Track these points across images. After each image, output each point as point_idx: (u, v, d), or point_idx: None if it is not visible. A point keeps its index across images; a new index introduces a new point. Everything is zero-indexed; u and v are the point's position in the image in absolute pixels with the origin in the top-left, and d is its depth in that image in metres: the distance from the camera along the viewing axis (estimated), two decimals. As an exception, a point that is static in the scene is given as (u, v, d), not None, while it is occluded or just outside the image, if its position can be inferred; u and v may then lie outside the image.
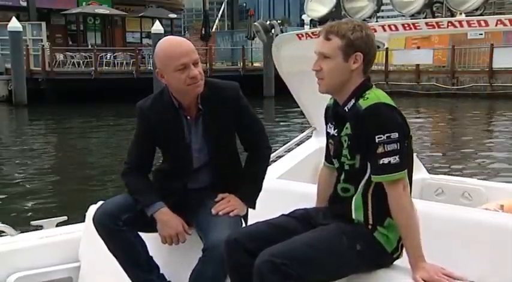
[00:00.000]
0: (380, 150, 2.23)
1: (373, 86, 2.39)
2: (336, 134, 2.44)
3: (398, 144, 2.23)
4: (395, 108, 2.29)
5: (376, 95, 2.30)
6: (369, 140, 2.25)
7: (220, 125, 2.80)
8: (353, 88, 2.37)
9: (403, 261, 2.35)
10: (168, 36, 2.86)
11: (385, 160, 2.23)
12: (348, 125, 2.35)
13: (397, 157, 2.23)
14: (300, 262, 2.21)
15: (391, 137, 2.22)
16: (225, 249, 2.42)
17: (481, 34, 26.41)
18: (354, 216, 2.37)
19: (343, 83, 2.37)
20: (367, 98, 2.29)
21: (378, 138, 2.22)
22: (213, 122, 2.79)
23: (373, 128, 2.24)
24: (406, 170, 2.28)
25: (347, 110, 2.36)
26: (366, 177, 2.34)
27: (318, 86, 2.43)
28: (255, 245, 2.33)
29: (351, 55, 2.33)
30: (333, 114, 2.48)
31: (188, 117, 2.80)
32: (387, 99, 2.30)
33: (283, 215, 2.54)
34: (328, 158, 2.61)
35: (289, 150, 4.24)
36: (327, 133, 2.54)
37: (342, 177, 2.44)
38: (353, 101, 2.35)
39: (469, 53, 28.11)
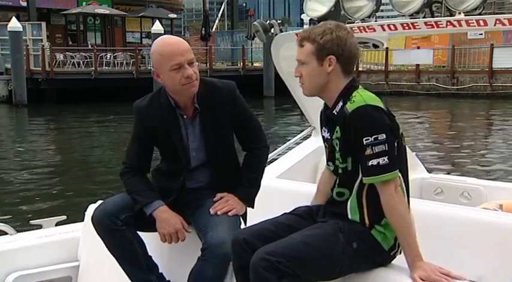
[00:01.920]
0: (368, 152, 2.24)
1: (360, 86, 2.40)
2: (329, 137, 2.45)
3: (386, 145, 2.24)
4: (382, 109, 2.29)
5: (362, 97, 2.30)
6: (357, 142, 2.26)
7: (217, 124, 2.80)
8: (338, 91, 2.38)
9: (401, 260, 2.35)
10: (164, 36, 2.85)
11: (374, 161, 2.24)
12: (337, 128, 2.36)
13: (386, 158, 2.23)
14: (295, 260, 2.21)
15: (379, 138, 2.23)
16: (232, 249, 2.41)
17: (481, 34, 26.44)
18: (350, 218, 2.38)
19: (323, 85, 2.41)
20: (354, 100, 2.30)
21: (366, 140, 2.24)
22: (210, 121, 2.79)
23: (360, 131, 2.25)
24: (397, 170, 2.28)
25: (335, 114, 2.38)
26: (359, 179, 2.34)
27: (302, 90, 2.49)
28: (262, 244, 2.31)
29: (324, 58, 2.36)
30: (325, 118, 2.50)
31: (185, 117, 2.81)
32: (373, 101, 2.30)
33: (286, 213, 2.54)
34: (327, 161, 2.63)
35: (288, 150, 4.24)
36: (322, 137, 2.55)
37: (337, 181, 2.46)
38: (341, 104, 2.36)
39: (469, 53, 28.11)
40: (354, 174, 2.35)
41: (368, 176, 2.28)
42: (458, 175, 5.38)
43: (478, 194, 4.13)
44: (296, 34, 3.48)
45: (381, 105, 2.30)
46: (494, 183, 4.50)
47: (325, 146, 2.52)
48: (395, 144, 2.29)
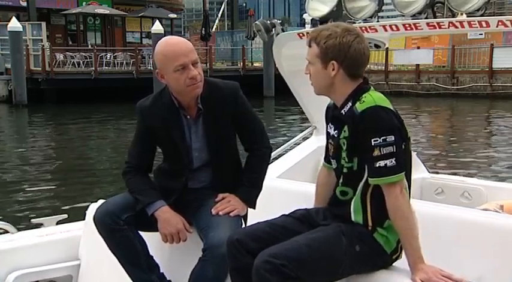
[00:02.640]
0: (376, 153, 2.23)
1: (371, 88, 2.39)
2: (335, 135, 2.44)
3: (394, 147, 2.23)
4: (391, 111, 2.29)
5: (372, 98, 2.30)
6: (365, 143, 2.26)
7: (220, 124, 2.80)
8: (346, 93, 2.38)
9: (402, 262, 2.35)
10: (167, 37, 2.86)
11: (382, 163, 2.23)
12: (345, 128, 2.36)
13: (393, 160, 2.23)
14: (298, 263, 2.21)
15: (387, 140, 2.23)
16: (227, 250, 2.41)
17: (481, 34, 26.44)
18: (353, 219, 2.38)
19: (328, 87, 2.41)
20: (364, 101, 2.30)
21: (374, 141, 2.23)
22: (213, 121, 2.79)
23: (369, 131, 2.25)
24: (403, 173, 2.28)
25: (344, 113, 2.37)
26: (364, 179, 2.34)
27: None
28: (257, 245, 2.32)
29: (328, 63, 2.36)
30: (332, 116, 2.50)
31: (188, 117, 2.81)
32: (384, 102, 2.30)
33: (283, 215, 2.54)
34: (326, 158, 2.62)
35: (289, 150, 4.24)
36: (327, 133, 2.54)
37: (341, 180, 2.45)
38: (350, 104, 2.36)
39: (469, 53, 28.12)
40: (359, 174, 2.35)
41: (375, 177, 2.27)
42: (459, 175, 5.38)
43: (478, 194, 4.13)
44: (298, 33, 3.48)
45: (391, 106, 2.30)
46: (495, 183, 4.50)
47: (330, 143, 2.52)
48: (403, 146, 2.29)
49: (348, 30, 2.37)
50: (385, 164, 2.23)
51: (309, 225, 2.45)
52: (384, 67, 29.47)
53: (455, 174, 7.10)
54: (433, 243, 2.51)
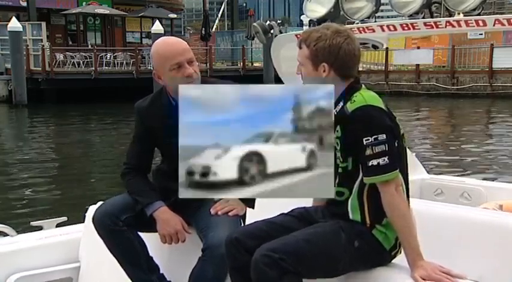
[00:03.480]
0: (368, 152, 2.25)
1: (362, 86, 2.41)
2: None
3: (386, 145, 2.25)
4: (382, 110, 2.30)
5: (363, 97, 2.31)
6: (357, 142, 2.27)
7: (218, 124, 2.81)
8: (337, 93, 2.38)
9: (402, 259, 2.35)
10: (162, 37, 2.89)
11: (374, 162, 2.25)
12: (338, 128, 2.37)
13: (386, 158, 2.24)
14: (297, 257, 2.22)
15: (379, 138, 2.24)
16: (226, 249, 2.42)
17: (481, 34, 26.47)
18: (351, 217, 2.39)
19: None
20: (354, 101, 2.31)
21: (366, 140, 2.25)
22: (210, 120, 2.80)
23: (360, 131, 2.26)
24: (397, 170, 2.29)
25: (336, 113, 2.38)
26: (359, 179, 2.35)
27: None
28: (255, 243, 2.33)
29: (318, 65, 2.38)
30: None
31: (187, 118, 2.81)
32: (374, 101, 2.31)
33: (282, 213, 2.55)
34: None
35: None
36: None
37: (336, 180, 2.45)
38: (341, 104, 2.37)
39: (469, 53, 28.13)
40: (354, 173, 2.36)
41: (369, 176, 2.29)
42: (458, 176, 5.38)
43: (478, 194, 4.13)
44: (296, 35, 3.48)
45: (382, 105, 2.31)
46: (494, 183, 4.50)
47: None
48: (396, 144, 2.30)
49: (338, 31, 2.37)
50: (378, 163, 2.24)
51: (307, 223, 2.46)
52: (384, 67, 29.48)
53: (454, 174, 7.11)
54: (434, 242, 2.52)
